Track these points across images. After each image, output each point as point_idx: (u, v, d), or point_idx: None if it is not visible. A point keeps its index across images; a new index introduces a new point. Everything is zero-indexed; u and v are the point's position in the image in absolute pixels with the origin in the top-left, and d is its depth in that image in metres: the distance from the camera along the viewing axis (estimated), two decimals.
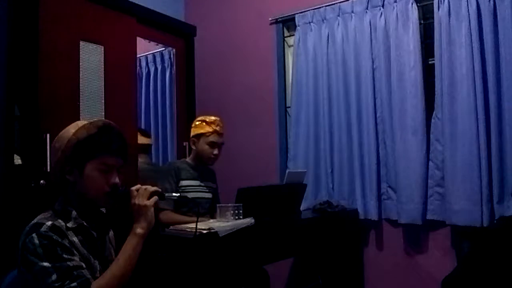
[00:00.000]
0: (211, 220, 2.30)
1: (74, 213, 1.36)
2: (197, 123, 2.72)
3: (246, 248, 2.24)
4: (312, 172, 3.35)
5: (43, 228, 1.27)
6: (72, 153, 1.36)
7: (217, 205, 2.38)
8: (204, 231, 2.05)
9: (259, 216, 2.27)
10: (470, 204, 2.71)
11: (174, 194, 1.51)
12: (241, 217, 2.23)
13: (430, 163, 2.95)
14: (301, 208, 3.03)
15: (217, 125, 2.67)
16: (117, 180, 1.40)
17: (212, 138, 2.65)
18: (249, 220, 2.20)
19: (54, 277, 1.22)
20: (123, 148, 1.43)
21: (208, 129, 2.65)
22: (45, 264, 1.22)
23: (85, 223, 1.37)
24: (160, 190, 1.46)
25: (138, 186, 1.43)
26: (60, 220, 1.32)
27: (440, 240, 2.96)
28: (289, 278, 3.51)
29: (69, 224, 1.33)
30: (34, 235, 1.26)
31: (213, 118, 2.70)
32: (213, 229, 2.06)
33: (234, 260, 2.19)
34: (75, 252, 1.29)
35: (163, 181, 2.58)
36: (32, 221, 1.32)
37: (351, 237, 3.15)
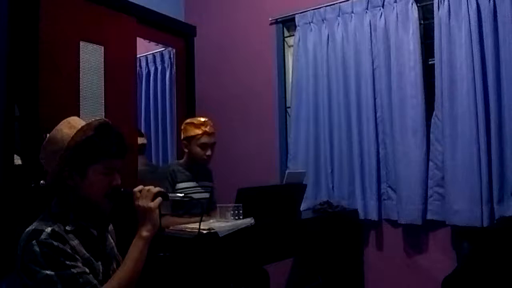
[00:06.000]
0: (211, 220, 2.30)
1: (72, 215, 1.34)
2: (186, 126, 2.70)
3: (246, 248, 2.24)
4: (312, 172, 3.34)
5: (43, 236, 1.23)
6: (71, 157, 1.32)
7: (217, 205, 2.38)
8: (204, 231, 2.05)
9: (259, 216, 2.27)
10: (470, 204, 2.71)
11: (178, 194, 1.49)
12: (241, 217, 2.24)
13: (430, 163, 2.94)
14: (301, 208, 3.03)
15: (206, 126, 2.65)
16: (119, 181, 1.40)
17: (203, 140, 2.63)
18: (249, 220, 2.21)
19: (59, 286, 1.19)
20: (123, 147, 1.41)
21: (197, 131, 2.63)
22: (48, 272, 1.20)
23: (84, 224, 1.35)
24: (163, 190, 1.44)
25: (141, 187, 1.41)
26: (59, 224, 1.29)
27: (440, 240, 2.96)
28: (289, 278, 3.51)
29: (68, 227, 1.30)
30: (34, 242, 1.22)
31: (202, 119, 2.69)
32: (213, 229, 2.06)
33: (234, 260, 2.19)
34: (77, 257, 1.26)
35: (160, 185, 2.56)
36: (30, 227, 1.29)
37: (351, 237, 3.14)
